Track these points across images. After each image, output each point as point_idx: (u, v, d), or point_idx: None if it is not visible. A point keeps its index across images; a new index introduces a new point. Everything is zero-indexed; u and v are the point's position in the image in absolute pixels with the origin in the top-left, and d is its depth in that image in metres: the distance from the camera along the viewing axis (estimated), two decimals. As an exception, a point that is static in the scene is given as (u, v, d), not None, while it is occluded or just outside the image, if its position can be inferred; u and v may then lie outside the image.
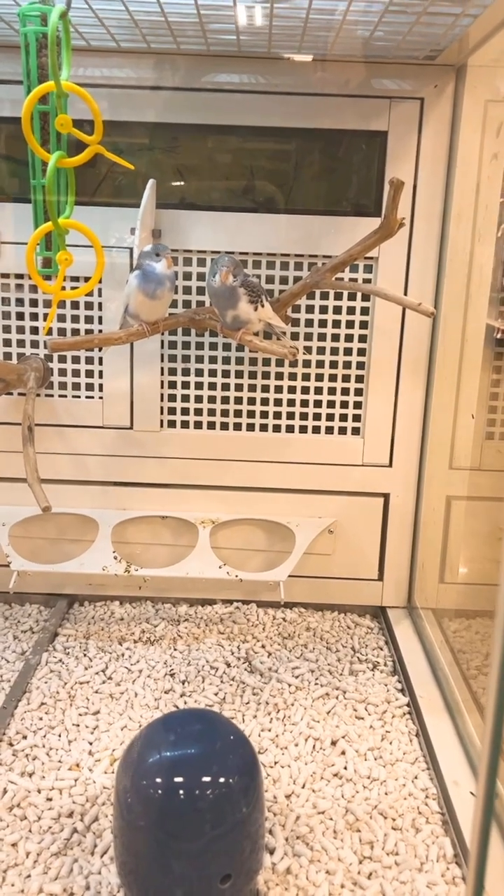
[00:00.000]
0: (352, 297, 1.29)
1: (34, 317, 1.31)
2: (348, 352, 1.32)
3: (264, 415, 1.35)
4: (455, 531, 1.36)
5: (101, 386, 1.33)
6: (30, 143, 0.93)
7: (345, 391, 1.33)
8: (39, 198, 1.00)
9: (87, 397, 1.34)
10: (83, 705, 1.12)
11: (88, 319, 1.30)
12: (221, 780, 0.76)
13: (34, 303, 1.30)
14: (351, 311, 1.30)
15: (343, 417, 1.35)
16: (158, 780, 0.75)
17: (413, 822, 0.93)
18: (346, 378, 1.33)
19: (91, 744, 1.05)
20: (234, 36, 1.11)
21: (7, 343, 1.32)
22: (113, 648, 1.26)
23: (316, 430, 1.35)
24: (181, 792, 0.75)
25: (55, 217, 0.96)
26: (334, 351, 1.32)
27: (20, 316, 1.30)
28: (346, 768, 1.02)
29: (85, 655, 1.24)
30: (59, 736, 1.06)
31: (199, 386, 1.34)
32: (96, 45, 1.19)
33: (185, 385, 1.33)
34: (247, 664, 1.24)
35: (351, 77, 1.21)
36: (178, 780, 0.75)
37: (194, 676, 1.20)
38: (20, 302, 1.30)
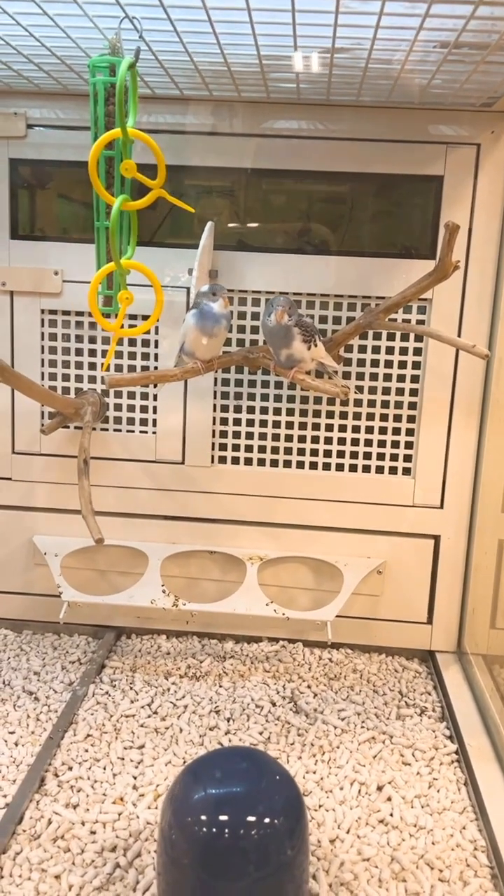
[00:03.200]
0: (405, 337, 1.30)
1: (92, 352, 1.34)
2: (400, 392, 1.32)
3: (315, 453, 1.35)
4: (507, 576, 1.34)
5: (154, 421, 1.35)
6: (95, 187, 0.96)
7: (396, 431, 1.33)
8: (103, 239, 1.03)
9: (140, 432, 1.36)
10: (128, 739, 1.12)
11: (145, 356, 1.33)
12: (266, 820, 0.75)
13: (92, 339, 1.33)
14: (404, 351, 1.30)
15: (394, 457, 1.34)
16: (203, 817, 0.75)
17: (461, 875, 0.91)
18: (397, 418, 1.33)
19: (135, 778, 1.05)
20: (293, 84, 1.14)
21: (66, 378, 1.35)
22: (159, 682, 1.27)
23: (367, 469, 1.35)
24: (226, 830, 0.74)
25: (118, 258, 0.99)
26: (386, 391, 1.32)
27: (79, 352, 1.34)
28: (392, 815, 1.00)
29: (131, 689, 1.25)
30: (104, 769, 1.06)
31: (250, 423, 1.35)
32: (161, 93, 1.23)
33: (237, 422, 1.35)
34: (292, 704, 1.22)
35: (408, 123, 1.23)
36: (223, 818, 0.75)
37: (239, 714, 1.19)
38: (79, 338, 1.34)
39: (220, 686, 1.27)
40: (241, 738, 1.13)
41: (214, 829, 0.74)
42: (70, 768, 1.06)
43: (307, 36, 0.93)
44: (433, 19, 0.85)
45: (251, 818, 0.75)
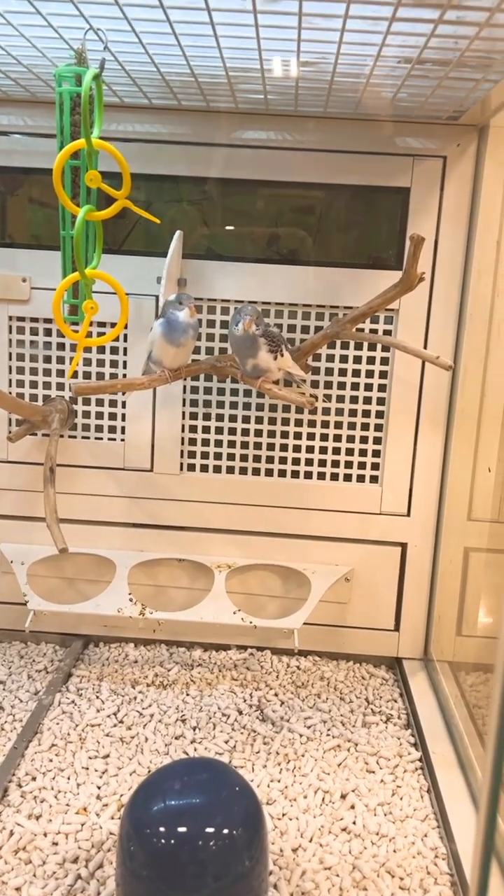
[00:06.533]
0: (372, 347, 1.31)
1: (60, 360, 1.34)
2: (368, 401, 1.33)
3: (283, 461, 1.36)
4: (473, 583, 1.35)
5: (123, 429, 1.35)
6: (60, 197, 0.96)
7: (364, 439, 1.34)
8: (68, 248, 1.03)
9: (109, 439, 1.36)
10: (93, 748, 1.12)
11: (113, 363, 1.33)
12: (225, 831, 0.75)
13: (60, 346, 1.33)
14: (371, 360, 1.31)
15: (362, 465, 1.35)
16: (162, 829, 0.75)
17: (421, 883, 0.91)
18: (365, 426, 1.34)
19: (99, 788, 1.05)
20: (261, 95, 1.15)
21: (33, 385, 1.35)
22: (126, 691, 1.26)
23: (334, 477, 1.36)
24: (184, 842, 0.74)
25: (82, 267, 0.99)
26: (354, 399, 1.33)
27: (47, 359, 1.34)
28: (354, 823, 1.00)
29: (97, 697, 1.24)
30: (68, 779, 1.06)
31: (219, 431, 1.35)
32: (129, 102, 1.23)
33: (206, 430, 1.35)
34: (259, 712, 1.23)
35: (375, 135, 1.24)
36: (182, 829, 0.75)
37: (205, 723, 1.19)
38: (47, 345, 1.33)
39: (188, 694, 1.27)
40: (206, 747, 1.14)
41: (173, 841, 0.75)
42: (34, 778, 1.06)
43: (272, 50, 0.94)
44: (395, 36, 0.86)
45: (210, 829, 0.75)
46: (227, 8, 0.81)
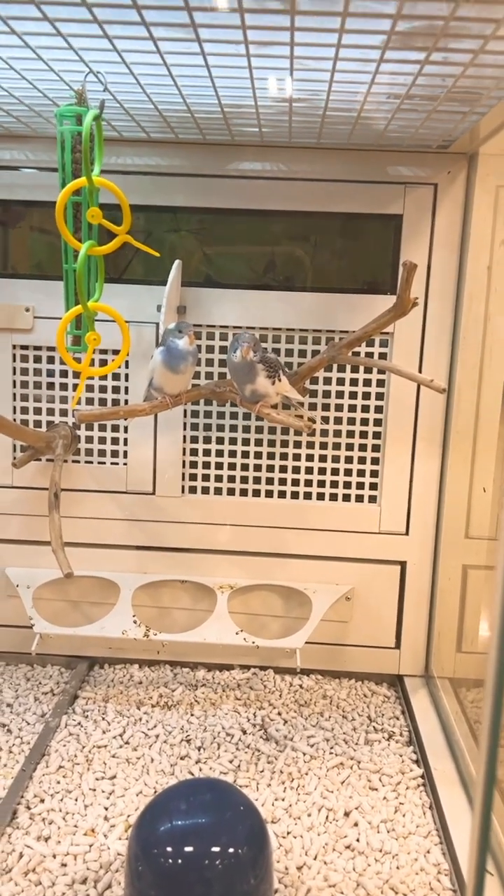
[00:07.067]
0: (368, 370, 1.34)
1: (63, 386, 1.36)
2: (365, 422, 1.35)
3: (283, 482, 1.38)
4: (472, 600, 1.37)
5: (125, 453, 1.38)
6: (63, 234, 0.99)
7: (362, 460, 1.37)
8: (71, 281, 1.06)
9: (112, 464, 1.39)
10: (100, 770, 1.14)
11: (115, 390, 1.36)
12: (230, 850, 0.77)
13: (64, 373, 1.36)
14: (367, 383, 1.34)
15: (360, 485, 1.38)
16: (169, 849, 0.77)
17: (424, 899, 0.93)
18: (362, 447, 1.36)
19: (107, 809, 1.06)
20: (256, 128, 1.18)
21: (37, 411, 1.37)
22: (131, 712, 1.28)
23: (333, 497, 1.38)
24: (190, 862, 0.76)
25: (85, 300, 1.01)
26: (351, 421, 1.35)
27: (50, 385, 1.37)
28: (358, 840, 1.02)
29: (103, 719, 1.26)
30: (76, 800, 1.08)
31: (219, 454, 1.38)
32: (128, 136, 1.27)
33: (207, 453, 1.38)
34: (263, 732, 1.25)
35: (368, 164, 1.27)
36: (188, 849, 0.77)
37: (210, 743, 1.21)
38: (50, 373, 1.36)
39: (192, 715, 1.28)
40: (211, 767, 1.15)
41: (180, 861, 0.76)
42: (42, 800, 1.07)
43: (265, 88, 0.97)
44: (384, 75, 0.89)
45: (215, 849, 0.77)
46: (221, 53, 0.84)
